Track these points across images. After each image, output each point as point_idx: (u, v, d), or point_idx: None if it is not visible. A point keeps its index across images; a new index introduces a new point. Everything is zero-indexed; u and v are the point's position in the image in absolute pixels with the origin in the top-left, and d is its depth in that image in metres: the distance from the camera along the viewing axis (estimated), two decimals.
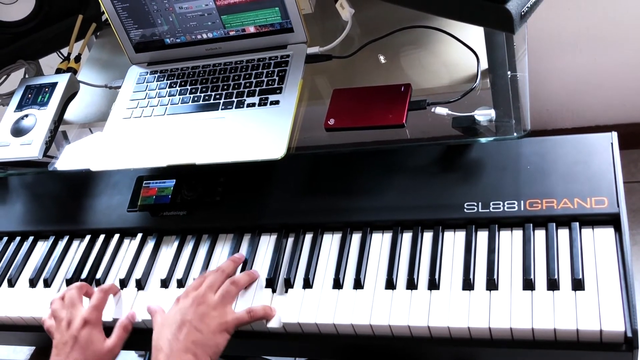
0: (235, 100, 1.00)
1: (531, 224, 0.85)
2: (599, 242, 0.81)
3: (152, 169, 1.07)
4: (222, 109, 1.00)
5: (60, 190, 1.14)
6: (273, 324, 0.86)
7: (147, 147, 1.00)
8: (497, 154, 0.91)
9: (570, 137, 0.90)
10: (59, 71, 1.17)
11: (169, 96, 1.05)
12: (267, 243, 0.95)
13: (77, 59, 1.19)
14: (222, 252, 0.97)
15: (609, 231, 0.82)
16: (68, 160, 1.10)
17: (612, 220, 0.82)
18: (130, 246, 1.03)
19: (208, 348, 0.81)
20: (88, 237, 1.06)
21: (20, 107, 1.11)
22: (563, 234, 0.83)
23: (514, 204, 0.86)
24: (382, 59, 1.06)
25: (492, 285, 0.81)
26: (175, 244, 1.00)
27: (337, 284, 0.87)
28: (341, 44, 1.04)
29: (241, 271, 0.92)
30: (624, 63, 1.50)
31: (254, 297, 0.89)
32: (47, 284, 1.02)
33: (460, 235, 0.87)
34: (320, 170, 0.99)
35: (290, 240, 0.95)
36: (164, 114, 1.03)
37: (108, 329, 0.95)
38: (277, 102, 0.97)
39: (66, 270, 1.03)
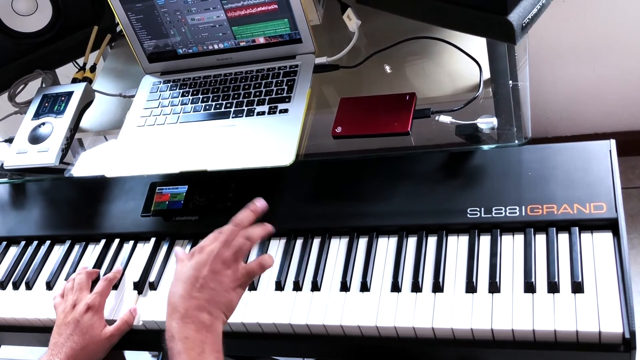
0: (246, 108, 1.02)
1: (532, 229, 0.86)
2: (597, 246, 0.83)
3: (165, 175, 1.09)
4: (232, 117, 1.02)
5: (76, 195, 1.17)
6: (282, 321, 0.88)
7: (160, 154, 1.01)
8: (499, 160, 0.93)
9: (569, 144, 0.92)
10: (75, 80, 1.19)
11: (181, 105, 1.07)
12: (276, 247, 0.97)
13: (93, 68, 1.21)
14: None
15: (608, 236, 0.83)
16: (83, 166, 1.12)
17: (610, 225, 0.83)
18: (144, 250, 1.05)
19: (222, 305, 0.80)
20: (103, 242, 1.08)
21: (37, 115, 1.13)
22: (563, 238, 0.85)
23: (515, 209, 0.87)
24: (387, 68, 1.07)
25: (494, 288, 0.82)
26: (188, 248, 1.02)
27: (344, 287, 0.89)
28: (348, 54, 1.06)
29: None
30: (622, 72, 1.51)
31: (264, 298, 0.91)
32: None
33: (464, 239, 0.89)
34: (327, 176, 1.01)
35: (299, 245, 0.96)
36: (177, 122, 1.05)
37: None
38: (286, 111, 0.99)
39: None
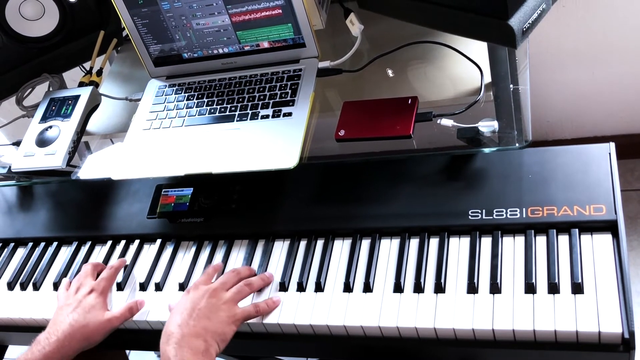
0: (250, 112, 1.03)
1: (533, 231, 0.87)
2: (597, 247, 0.84)
3: (171, 178, 1.10)
4: (237, 121, 1.03)
5: (82, 198, 1.18)
6: (286, 321, 0.89)
7: (165, 156, 1.02)
8: (500, 163, 0.93)
9: (569, 147, 0.92)
10: (81, 84, 1.20)
11: (186, 108, 1.08)
12: (280, 248, 0.98)
13: (99, 72, 1.22)
14: (238, 257, 1.00)
15: (607, 237, 0.84)
16: (90, 169, 1.13)
17: (609, 226, 0.84)
18: (149, 251, 1.06)
19: (216, 335, 0.83)
20: (109, 243, 1.09)
21: (44, 118, 1.14)
22: (563, 240, 0.85)
23: (516, 211, 0.88)
24: (390, 72, 1.08)
25: (495, 288, 0.83)
26: (193, 249, 1.03)
27: (348, 288, 0.90)
28: (351, 58, 1.06)
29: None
30: (621, 76, 1.51)
31: (268, 299, 0.92)
32: None
33: (465, 241, 0.90)
34: (331, 179, 1.02)
35: (303, 246, 0.97)
36: (182, 125, 1.06)
37: (128, 331, 0.99)
38: (289, 114, 1.00)
39: None
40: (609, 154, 0.90)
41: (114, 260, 1.07)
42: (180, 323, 0.84)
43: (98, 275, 1.02)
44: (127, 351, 1.31)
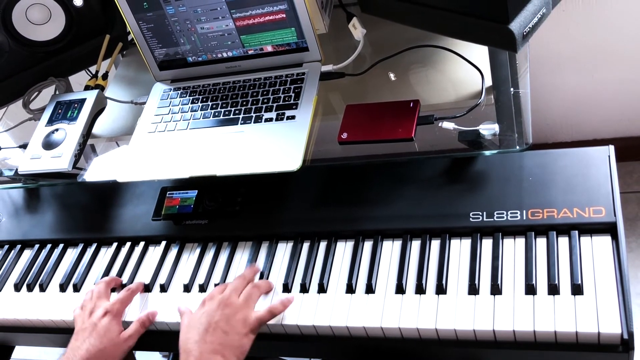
0: (254, 115, 1.04)
1: (533, 233, 0.88)
2: (596, 249, 0.84)
3: (176, 180, 1.11)
4: (241, 124, 1.03)
5: (88, 200, 1.19)
6: (290, 322, 0.90)
7: (170, 159, 1.03)
8: (500, 166, 0.94)
9: (569, 150, 0.93)
10: (87, 88, 1.21)
11: (191, 111, 1.09)
12: (283, 250, 0.99)
13: (105, 76, 1.23)
14: (242, 259, 1.01)
15: (606, 239, 0.85)
16: (96, 171, 1.14)
17: (609, 228, 0.85)
18: (154, 253, 1.07)
19: (235, 349, 0.83)
20: (115, 245, 1.10)
21: (51, 121, 1.15)
22: (563, 241, 0.86)
23: (516, 213, 0.89)
24: (392, 76, 1.08)
25: (496, 290, 0.84)
26: (197, 251, 1.04)
27: (350, 289, 0.91)
28: (353, 62, 1.07)
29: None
30: (620, 80, 1.52)
31: (272, 301, 0.93)
32: (77, 288, 1.07)
33: (466, 243, 0.91)
34: (334, 181, 1.03)
35: (306, 248, 0.98)
36: (187, 128, 1.07)
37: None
38: (293, 117, 1.01)
39: (94, 275, 1.08)
40: (609, 156, 0.90)
41: (119, 261, 1.08)
42: (198, 340, 0.84)
43: (112, 290, 1.03)
44: None
